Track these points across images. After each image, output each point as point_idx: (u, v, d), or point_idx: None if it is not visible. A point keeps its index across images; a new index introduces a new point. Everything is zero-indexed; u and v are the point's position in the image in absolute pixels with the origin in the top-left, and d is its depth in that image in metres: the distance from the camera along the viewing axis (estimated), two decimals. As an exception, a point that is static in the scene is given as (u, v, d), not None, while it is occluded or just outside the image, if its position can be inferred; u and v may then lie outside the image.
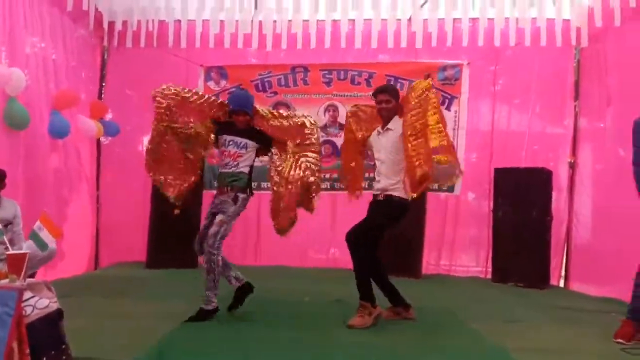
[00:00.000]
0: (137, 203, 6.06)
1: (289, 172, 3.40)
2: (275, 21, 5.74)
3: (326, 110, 6.14)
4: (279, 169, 3.47)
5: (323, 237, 6.16)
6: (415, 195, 3.46)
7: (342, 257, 6.04)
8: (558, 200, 5.76)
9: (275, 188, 3.48)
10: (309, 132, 3.51)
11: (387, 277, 3.63)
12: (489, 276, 5.77)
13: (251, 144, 3.51)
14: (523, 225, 5.33)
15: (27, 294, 1.86)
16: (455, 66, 5.88)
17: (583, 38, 5.34)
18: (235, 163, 3.47)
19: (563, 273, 5.88)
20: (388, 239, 5.36)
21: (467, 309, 4.01)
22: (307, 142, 3.50)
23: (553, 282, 5.64)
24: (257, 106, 3.65)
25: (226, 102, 3.66)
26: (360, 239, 3.40)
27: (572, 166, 5.90)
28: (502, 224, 5.56)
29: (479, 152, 6.10)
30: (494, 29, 5.45)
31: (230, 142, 3.50)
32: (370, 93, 3.79)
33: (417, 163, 3.23)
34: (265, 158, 3.83)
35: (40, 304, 1.89)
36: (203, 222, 3.60)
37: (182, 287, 4.48)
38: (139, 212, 5.95)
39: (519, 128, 6.04)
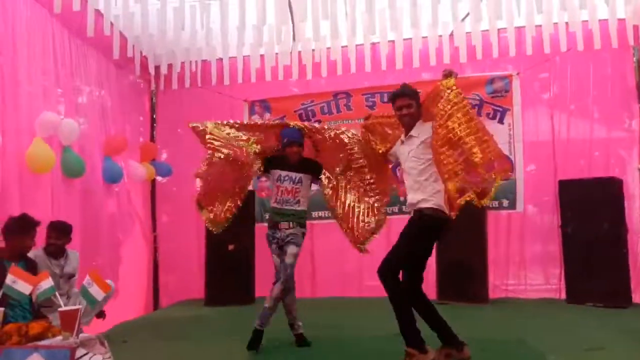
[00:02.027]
0: (193, 241, 6.11)
1: (344, 195, 3.52)
2: (313, 50, 5.74)
3: (372, 134, 6.02)
4: (340, 198, 3.54)
5: (379, 264, 5.94)
6: (453, 214, 2.96)
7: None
8: (631, 210, 5.30)
9: (339, 212, 3.54)
10: (350, 149, 3.51)
11: (434, 310, 3.10)
12: (563, 296, 5.34)
13: (305, 177, 3.56)
14: (595, 239, 4.92)
15: (80, 352, 1.83)
16: (504, 77, 5.62)
17: (642, 35, 4.98)
18: (296, 200, 3.53)
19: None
20: (448, 263, 5.22)
21: (542, 337, 3.68)
22: (355, 164, 3.51)
23: (636, 300, 5.14)
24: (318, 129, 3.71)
25: (280, 136, 3.64)
26: (389, 271, 2.97)
27: (643, 172, 5.44)
28: (572, 240, 5.16)
29: (539, 163, 5.76)
30: (542, 36, 5.16)
31: (286, 178, 3.54)
32: (387, 99, 3.60)
33: (446, 176, 2.84)
34: (315, 186, 3.86)
35: (93, 361, 1.86)
36: (275, 258, 3.62)
37: (241, 325, 4.41)
38: (196, 251, 6.01)
39: (580, 136, 5.65)
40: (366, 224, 3.47)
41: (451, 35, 5.44)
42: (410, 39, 5.51)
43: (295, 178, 3.51)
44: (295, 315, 3.61)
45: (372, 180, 3.52)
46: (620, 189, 5.08)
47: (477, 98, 5.67)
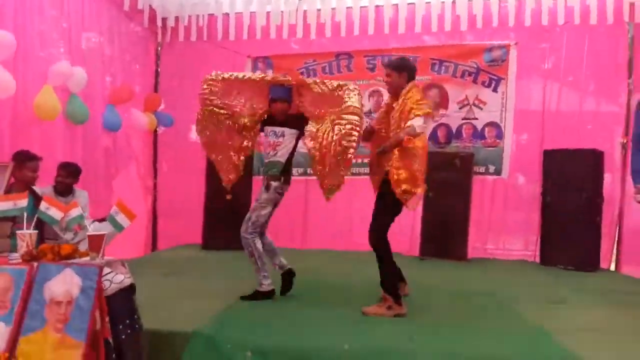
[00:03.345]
0: (192, 189, 6.36)
1: (323, 136, 3.29)
2: (319, 10, 5.85)
3: (370, 95, 6.22)
4: (315, 132, 3.36)
5: (369, 221, 6.26)
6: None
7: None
8: (610, 182, 5.60)
9: (312, 152, 3.39)
10: (347, 95, 3.35)
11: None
12: (537, 260, 5.72)
13: (288, 131, 3.57)
14: (573, 208, 5.24)
15: (106, 270, 2.12)
16: (502, 47, 5.78)
17: (638, 13, 5.11)
18: (274, 152, 3.56)
19: (614, 257, 5.74)
20: (432, 222, 5.54)
21: (512, 292, 4.04)
22: (344, 105, 3.31)
23: (604, 265, 5.53)
24: (304, 78, 3.72)
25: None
26: (381, 239, 3.36)
27: (625, 147, 5.70)
28: (551, 207, 5.48)
29: (528, 133, 6.01)
30: (541, 8, 5.30)
31: (271, 132, 3.62)
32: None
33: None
34: (310, 144, 3.70)
35: (116, 279, 2.16)
36: None
37: (236, 268, 4.77)
38: (194, 198, 6.28)
39: (570, 108, 5.86)
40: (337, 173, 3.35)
41: (453, 2, 5.56)
42: (414, 3, 5.63)
43: (278, 132, 3.58)
44: (276, 260, 3.69)
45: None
46: (601, 161, 5.36)
47: (475, 66, 5.85)
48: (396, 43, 6.13)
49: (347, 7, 5.82)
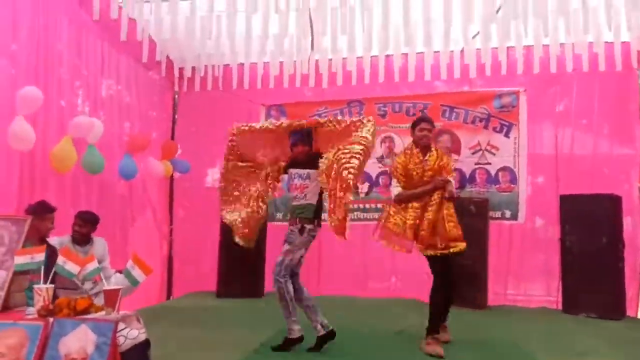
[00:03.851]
0: (207, 235, 6.41)
1: (330, 168, 3.37)
2: (330, 60, 6.02)
3: (382, 142, 6.28)
4: (324, 167, 3.42)
5: (384, 266, 6.21)
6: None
7: (403, 286, 6.09)
8: (630, 226, 5.50)
9: (323, 188, 3.48)
10: (359, 128, 3.45)
11: None
12: (559, 307, 5.54)
13: (312, 172, 3.55)
14: (594, 253, 5.11)
15: (121, 325, 2.11)
16: (512, 93, 5.85)
17: (645, 60, 5.18)
18: (303, 195, 3.57)
19: (640, 303, 5.57)
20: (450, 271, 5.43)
21: (536, 342, 3.89)
22: (353, 137, 3.42)
23: (630, 313, 5.34)
24: (318, 118, 3.81)
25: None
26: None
27: (643, 190, 5.65)
28: (571, 252, 5.36)
29: (543, 177, 5.99)
30: (549, 56, 5.39)
31: (295, 175, 3.65)
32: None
33: None
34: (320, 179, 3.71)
35: (131, 334, 2.14)
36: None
37: (250, 317, 4.71)
38: (209, 244, 6.31)
39: (583, 152, 5.87)
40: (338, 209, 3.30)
41: (462, 51, 5.68)
42: (423, 52, 5.77)
43: (303, 174, 3.59)
44: (311, 314, 3.57)
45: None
46: (619, 205, 5.27)
47: (485, 112, 5.91)
48: (407, 90, 6.26)
49: (358, 57, 5.96)
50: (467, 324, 4.50)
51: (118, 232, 5.60)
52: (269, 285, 6.01)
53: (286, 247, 3.55)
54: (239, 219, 3.81)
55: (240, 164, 3.85)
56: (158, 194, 6.67)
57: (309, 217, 3.55)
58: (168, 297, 6.55)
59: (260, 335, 3.62)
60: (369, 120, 3.59)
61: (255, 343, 3.48)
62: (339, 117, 3.81)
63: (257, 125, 3.95)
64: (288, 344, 3.46)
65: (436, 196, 3.74)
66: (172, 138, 6.94)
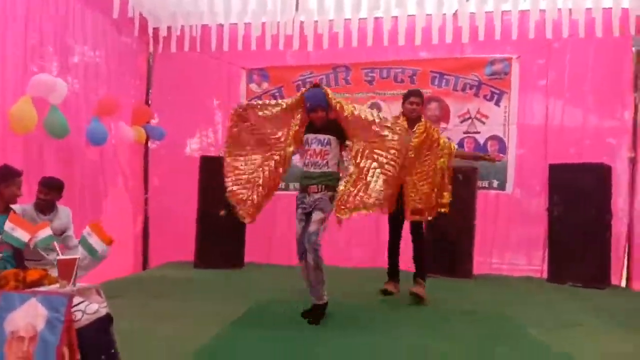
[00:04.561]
0: (184, 205, 6.12)
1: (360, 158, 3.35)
2: (316, 21, 5.69)
3: (369, 109, 6.02)
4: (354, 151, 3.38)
5: (368, 235, 6.04)
6: None
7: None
8: (618, 197, 5.42)
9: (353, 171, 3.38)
10: (378, 128, 3.35)
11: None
12: (544, 276, 5.49)
13: (333, 139, 3.41)
14: (581, 223, 5.03)
15: (77, 299, 1.88)
16: (504, 60, 5.63)
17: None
18: (325, 162, 3.38)
19: (625, 273, 5.53)
20: (437, 239, 5.31)
21: (523, 312, 3.81)
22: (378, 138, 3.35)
23: (614, 282, 5.31)
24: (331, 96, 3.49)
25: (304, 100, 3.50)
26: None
27: (633, 161, 5.53)
28: (558, 223, 5.27)
29: (531, 147, 5.81)
30: (545, 21, 5.16)
31: (314, 141, 3.42)
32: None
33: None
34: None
35: (89, 309, 1.91)
36: (297, 224, 3.44)
37: (228, 288, 4.52)
38: (187, 213, 6.03)
39: (574, 122, 5.71)
40: (366, 196, 3.29)
41: (455, 14, 5.41)
42: (414, 15, 5.48)
43: (324, 140, 3.38)
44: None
45: (393, 159, 3.35)
46: (609, 176, 5.18)
47: (476, 79, 5.69)
48: (395, 56, 5.99)
49: (346, 19, 5.66)
50: (453, 293, 4.41)
51: (89, 201, 5.30)
52: (249, 255, 5.82)
53: (319, 215, 3.29)
54: (249, 200, 3.54)
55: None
56: (132, 162, 6.34)
57: (335, 185, 3.37)
58: (144, 268, 6.31)
59: (238, 308, 3.43)
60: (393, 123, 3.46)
61: (232, 315, 3.28)
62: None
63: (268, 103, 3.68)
64: (320, 310, 3.34)
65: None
66: (147, 103, 6.57)
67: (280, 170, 3.60)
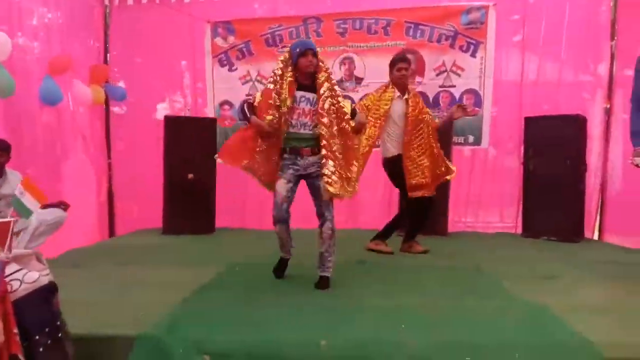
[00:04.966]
0: (150, 169, 5.83)
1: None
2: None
3: (341, 63, 5.77)
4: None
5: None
6: None
7: (363, 219, 5.83)
8: (593, 149, 5.38)
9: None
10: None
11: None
12: (519, 232, 5.48)
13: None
14: (555, 175, 4.99)
15: (13, 267, 1.66)
16: (481, 8, 5.40)
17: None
18: (314, 123, 3.04)
19: (597, 225, 5.56)
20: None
21: (499, 266, 3.75)
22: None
23: (587, 234, 5.34)
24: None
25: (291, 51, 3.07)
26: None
27: (608, 112, 5.47)
28: (533, 177, 5.22)
29: (508, 100, 5.66)
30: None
31: (302, 99, 3.05)
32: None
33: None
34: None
35: (28, 277, 1.69)
36: (281, 186, 3.06)
37: (197, 254, 4.34)
38: (153, 179, 5.74)
39: (551, 73, 5.58)
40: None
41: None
42: (386, -40, 5.18)
43: (312, 99, 3.04)
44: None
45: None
46: (584, 127, 5.11)
47: (452, 29, 5.46)
48: (368, 5, 5.69)
49: (314, -35, 5.32)
50: (429, 252, 4.32)
51: (46, 166, 4.96)
52: (220, 221, 5.61)
53: (320, 182, 3.01)
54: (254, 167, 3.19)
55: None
56: (92, 125, 5.96)
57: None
58: (110, 236, 6.04)
59: (204, 275, 3.24)
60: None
61: (196, 283, 3.09)
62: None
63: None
64: (328, 282, 3.12)
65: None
66: (105, 61, 6.13)
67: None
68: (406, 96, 4.06)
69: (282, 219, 3.08)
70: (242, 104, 3.16)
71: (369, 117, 3.96)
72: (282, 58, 3.12)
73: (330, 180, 2.96)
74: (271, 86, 3.08)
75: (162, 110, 6.23)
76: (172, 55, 6.11)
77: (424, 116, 4.13)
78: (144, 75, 6.12)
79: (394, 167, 4.13)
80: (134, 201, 6.14)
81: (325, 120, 2.99)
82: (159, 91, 6.24)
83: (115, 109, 6.19)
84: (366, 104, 4.10)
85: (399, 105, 4.06)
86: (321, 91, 3.02)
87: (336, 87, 3.11)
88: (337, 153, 3.02)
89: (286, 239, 3.24)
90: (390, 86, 4.06)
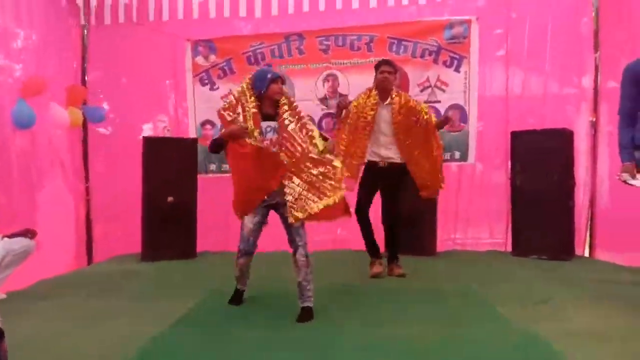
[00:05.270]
0: (133, 191, 5.60)
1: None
2: (264, -16, 5.26)
3: (325, 80, 5.66)
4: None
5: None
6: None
7: (349, 237, 5.67)
8: (581, 163, 5.31)
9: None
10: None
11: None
12: (508, 249, 5.36)
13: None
14: (544, 191, 4.89)
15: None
16: (463, 22, 5.35)
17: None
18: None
19: (588, 241, 5.47)
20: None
21: (490, 289, 3.62)
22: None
23: (578, 251, 5.23)
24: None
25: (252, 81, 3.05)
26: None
27: (594, 125, 5.42)
28: (521, 192, 5.11)
29: (494, 115, 5.57)
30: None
31: (268, 129, 2.99)
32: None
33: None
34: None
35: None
36: (249, 218, 3.08)
37: (175, 282, 4.15)
38: (133, 203, 5.55)
39: (536, 86, 5.52)
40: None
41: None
42: (369, -24, 5.14)
43: (277, 127, 3.00)
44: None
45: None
46: (571, 141, 5.03)
47: (435, 44, 5.39)
48: (351, 21, 5.61)
49: (294, -19, 5.26)
50: (417, 273, 4.19)
51: (21, 194, 4.76)
52: (201, 244, 5.42)
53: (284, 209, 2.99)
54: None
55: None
56: (70, 148, 5.77)
57: None
58: (89, 263, 5.81)
59: (179, 306, 3.07)
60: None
61: (176, 313, 2.92)
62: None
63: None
64: (311, 313, 2.98)
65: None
66: (83, 82, 5.98)
67: None
68: (387, 101, 3.97)
69: (248, 252, 3.11)
70: (209, 147, 3.16)
71: (358, 122, 3.98)
72: (239, 89, 3.06)
73: (295, 206, 2.85)
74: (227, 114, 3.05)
75: (148, 130, 6.09)
76: (155, 74, 5.98)
77: (416, 117, 3.99)
78: (127, 96, 5.97)
79: (366, 172, 4.09)
80: (114, 224, 5.93)
81: (288, 144, 2.93)
82: (144, 111, 6.09)
83: (100, 130, 6.00)
84: (354, 106, 4.08)
85: (383, 112, 4.00)
86: (284, 116, 2.98)
87: (299, 110, 3.07)
88: (304, 175, 2.91)
89: (245, 272, 3.23)
90: (373, 91, 3.98)
